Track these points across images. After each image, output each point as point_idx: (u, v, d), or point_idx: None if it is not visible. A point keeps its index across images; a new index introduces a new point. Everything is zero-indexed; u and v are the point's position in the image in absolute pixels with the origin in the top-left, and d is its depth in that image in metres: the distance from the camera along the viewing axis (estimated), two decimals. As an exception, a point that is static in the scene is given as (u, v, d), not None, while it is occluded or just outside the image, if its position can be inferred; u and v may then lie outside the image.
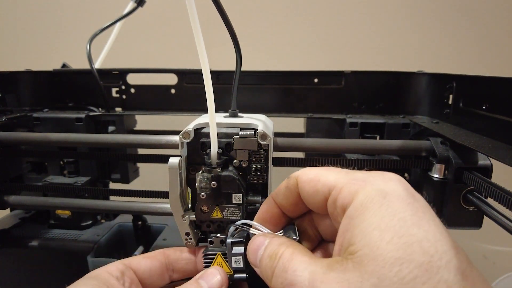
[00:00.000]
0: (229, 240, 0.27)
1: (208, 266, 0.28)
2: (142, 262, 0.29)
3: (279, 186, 0.25)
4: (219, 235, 0.30)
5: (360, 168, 0.36)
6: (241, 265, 0.27)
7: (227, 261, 0.28)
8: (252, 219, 0.28)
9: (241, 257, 0.27)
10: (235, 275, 0.27)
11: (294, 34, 0.91)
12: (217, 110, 0.30)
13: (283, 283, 0.19)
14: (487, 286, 0.16)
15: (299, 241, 0.24)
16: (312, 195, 0.22)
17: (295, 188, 0.23)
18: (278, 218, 0.25)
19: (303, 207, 0.24)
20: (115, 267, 0.27)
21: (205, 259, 0.29)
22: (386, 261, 0.16)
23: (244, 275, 0.27)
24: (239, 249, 0.27)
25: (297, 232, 0.25)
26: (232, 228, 0.28)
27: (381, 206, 0.17)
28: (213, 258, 0.28)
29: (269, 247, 0.22)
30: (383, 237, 0.16)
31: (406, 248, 0.16)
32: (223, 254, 0.28)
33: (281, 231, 0.26)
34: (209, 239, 0.29)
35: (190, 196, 0.31)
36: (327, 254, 0.25)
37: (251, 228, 0.27)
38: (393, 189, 0.18)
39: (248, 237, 0.28)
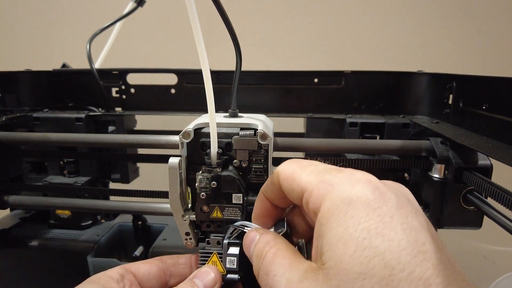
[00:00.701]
0: (225, 241, 0.28)
1: (203, 265, 0.29)
2: (141, 266, 0.29)
3: (266, 181, 0.25)
4: (216, 236, 0.30)
5: (360, 167, 0.36)
6: (235, 266, 0.28)
7: (221, 261, 0.28)
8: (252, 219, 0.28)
9: (235, 258, 0.28)
10: (228, 276, 0.28)
11: (294, 34, 0.91)
12: (217, 110, 0.30)
13: (265, 285, 0.20)
14: None
15: (288, 234, 0.25)
16: (289, 192, 0.22)
17: (277, 183, 0.23)
18: (272, 212, 0.25)
19: (290, 201, 0.24)
20: (115, 271, 0.27)
21: (200, 257, 0.29)
22: (349, 276, 0.15)
23: (236, 276, 0.28)
24: (235, 249, 0.28)
25: (285, 225, 0.25)
26: (230, 229, 0.29)
27: (346, 215, 0.17)
28: (208, 257, 0.29)
29: (257, 244, 0.23)
30: (346, 250, 0.16)
31: (368, 262, 0.15)
32: (218, 253, 0.29)
33: (272, 227, 0.26)
34: (206, 239, 0.30)
35: (190, 196, 0.31)
36: None
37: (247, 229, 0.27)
38: (359, 194, 0.17)
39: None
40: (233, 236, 0.29)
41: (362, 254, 0.15)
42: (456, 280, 0.15)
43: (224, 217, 0.30)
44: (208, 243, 0.30)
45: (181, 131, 0.29)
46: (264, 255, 0.21)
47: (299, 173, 0.21)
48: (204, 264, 0.29)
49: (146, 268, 0.29)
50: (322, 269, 0.17)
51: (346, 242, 0.16)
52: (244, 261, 0.28)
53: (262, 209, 0.25)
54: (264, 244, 0.22)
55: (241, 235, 0.29)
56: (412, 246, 0.15)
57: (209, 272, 0.27)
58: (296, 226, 0.25)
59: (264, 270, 0.20)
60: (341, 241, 0.16)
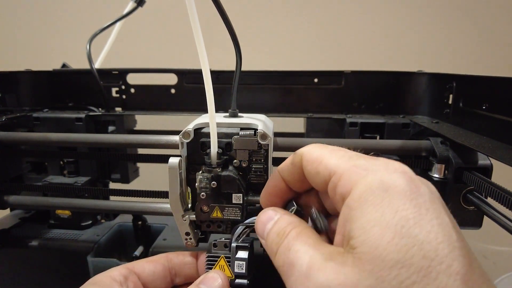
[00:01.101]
0: (234, 244, 0.28)
1: (210, 269, 0.28)
2: (146, 266, 0.28)
3: (285, 161, 0.24)
4: (223, 238, 0.29)
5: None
6: (244, 271, 0.27)
7: (229, 265, 0.28)
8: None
9: (244, 262, 0.27)
10: (236, 280, 0.27)
11: (294, 34, 0.91)
12: (217, 110, 0.30)
13: (284, 261, 0.19)
14: None
15: (301, 212, 0.24)
16: (313, 176, 0.21)
17: (299, 165, 0.22)
18: (284, 193, 0.25)
19: (308, 184, 0.23)
20: (118, 271, 0.27)
21: (207, 261, 0.29)
22: (386, 263, 0.15)
23: (245, 281, 0.27)
24: (243, 253, 0.27)
25: (294, 204, 0.25)
26: (239, 229, 0.28)
27: (382, 201, 0.16)
28: (216, 261, 0.28)
29: (278, 223, 0.22)
30: (383, 236, 0.15)
31: (406, 250, 0.15)
32: (226, 257, 0.28)
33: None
34: (213, 242, 0.29)
35: (190, 196, 0.31)
36: (333, 230, 0.25)
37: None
38: (396, 182, 0.17)
39: (253, 243, 0.29)
40: (241, 239, 0.28)
41: (400, 242, 0.15)
42: (488, 281, 0.15)
43: (224, 217, 0.30)
44: (215, 245, 0.29)
45: (181, 131, 0.29)
46: (287, 232, 0.20)
47: (328, 156, 0.21)
48: (211, 268, 0.28)
49: (151, 268, 0.28)
50: (351, 253, 0.16)
51: (383, 228, 0.16)
52: (252, 265, 0.28)
53: (274, 188, 0.25)
54: (287, 224, 0.21)
55: (249, 239, 0.29)
56: (448, 241, 0.15)
57: (216, 278, 0.26)
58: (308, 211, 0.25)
59: (285, 246, 0.20)
60: (378, 226, 0.16)
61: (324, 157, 0.21)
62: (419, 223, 0.16)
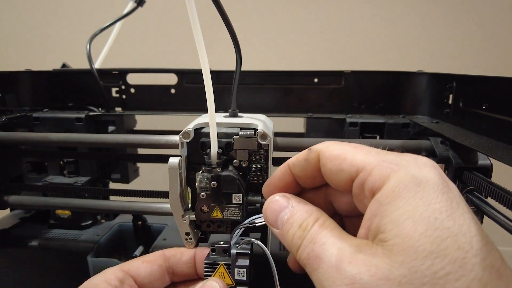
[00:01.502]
0: (234, 251, 0.27)
1: (209, 276, 0.28)
2: (142, 267, 0.28)
3: (297, 156, 0.24)
4: (222, 243, 0.29)
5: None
6: (244, 278, 0.27)
7: (229, 272, 0.27)
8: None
9: (245, 270, 0.27)
10: None
11: (294, 34, 0.91)
12: (217, 110, 0.30)
13: (309, 254, 0.19)
14: None
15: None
16: (335, 173, 0.21)
17: (315, 162, 0.22)
18: (290, 187, 0.25)
19: (320, 181, 0.23)
20: (113, 275, 0.26)
21: (206, 268, 0.28)
22: (419, 253, 0.15)
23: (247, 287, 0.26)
24: (244, 261, 0.27)
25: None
26: (236, 232, 0.28)
27: (415, 195, 0.17)
28: (215, 268, 0.28)
29: (296, 213, 0.21)
30: (417, 228, 0.16)
31: (440, 242, 0.15)
32: (226, 265, 0.28)
33: None
34: (211, 247, 0.29)
35: (190, 196, 0.31)
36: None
37: (257, 217, 0.26)
38: (428, 176, 0.17)
39: (252, 249, 0.28)
40: (240, 245, 0.28)
41: (434, 233, 0.15)
42: None
43: (224, 217, 0.30)
44: (214, 251, 0.28)
45: (181, 131, 0.29)
46: (310, 225, 0.20)
47: (352, 153, 0.20)
48: (210, 275, 0.28)
49: (147, 270, 0.28)
50: (381, 245, 0.16)
51: (417, 221, 0.16)
52: (252, 268, 0.28)
53: (280, 181, 0.25)
54: (307, 214, 0.21)
55: (248, 245, 0.28)
56: (481, 235, 0.15)
57: (215, 287, 0.25)
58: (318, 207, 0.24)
59: (310, 239, 0.19)
60: (411, 219, 0.16)
61: (348, 154, 0.20)
62: (451, 216, 0.16)
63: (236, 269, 0.27)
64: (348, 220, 0.25)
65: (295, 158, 0.24)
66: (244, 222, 0.28)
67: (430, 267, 0.15)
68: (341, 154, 0.21)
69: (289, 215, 0.22)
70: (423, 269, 0.15)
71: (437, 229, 0.15)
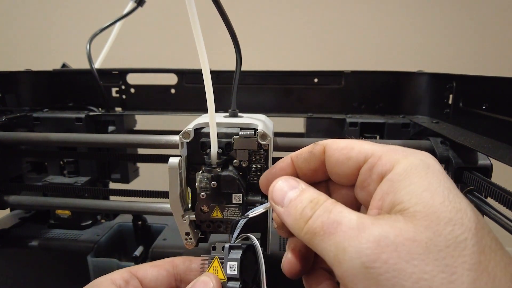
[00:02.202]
0: (227, 244, 0.26)
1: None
2: (149, 271, 0.27)
3: (301, 150, 0.24)
4: (222, 242, 0.28)
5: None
6: (235, 272, 0.25)
7: (222, 267, 0.26)
8: (251, 221, 0.27)
9: (236, 263, 0.26)
10: (228, 284, 0.25)
11: (294, 34, 0.91)
12: (217, 110, 0.30)
13: (324, 221, 0.19)
14: None
15: None
16: (342, 162, 0.22)
17: (320, 154, 0.23)
18: None
19: (321, 175, 0.24)
20: (119, 275, 0.26)
21: (202, 263, 0.27)
22: (441, 219, 0.16)
23: (238, 283, 0.25)
24: (236, 253, 0.26)
25: None
26: (239, 223, 0.27)
27: (427, 174, 0.18)
28: (210, 263, 0.27)
29: (307, 192, 0.22)
30: (435, 199, 0.17)
31: (456, 212, 0.16)
32: (220, 259, 0.27)
33: None
34: (212, 245, 0.28)
35: (190, 196, 0.31)
36: None
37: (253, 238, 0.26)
38: (433, 163, 0.19)
39: (251, 245, 0.27)
40: (238, 239, 0.27)
41: (450, 204, 0.17)
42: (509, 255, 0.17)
43: (224, 217, 0.30)
44: (214, 249, 0.28)
45: (181, 131, 0.29)
46: (323, 200, 0.20)
47: (359, 143, 0.22)
48: (204, 271, 0.27)
49: (154, 274, 0.27)
50: (401, 214, 0.17)
51: (433, 192, 0.17)
52: (249, 267, 0.27)
53: (282, 171, 0.25)
54: (317, 194, 0.21)
55: (246, 239, 0.27)
56: (479, 215, 0.17)
57: (208, 282, 0.25)
58: None
59: (323, 209, 0.19)
60: (428, 191, 0.17)
61: (356, 144, 0.22)
62: (458, 195, 0.18)
63: (228, 263, 0.26)
64: None
65: (299, 151, 0.25)
66: (245, 215, 0.27)
67: (451, 232, 0.16)
68: (349, 145, 0.22)
69: (298, 193, 0.22)
70: (446, 233, 0.16)
71: (451, 202, 0.17)
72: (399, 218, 0.17)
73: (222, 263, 0.26)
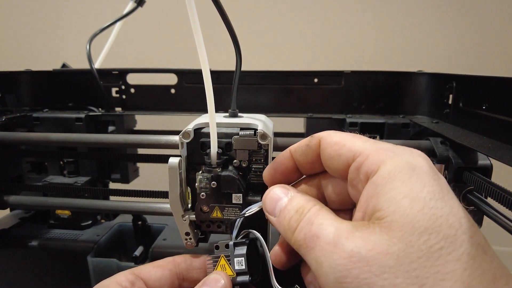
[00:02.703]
0: (231, 242, 0.27)
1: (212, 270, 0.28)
2: (152, 271, 0.28)
3: (299, 142, 0.25)
4: (224, 240, 0.29)
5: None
6: (243, 267, 0.27)
7: (230, 263, 0.27)
8: (251, 221, 0.27)
9: (243, 258, 0.27)
10: (238, 278, 0.27)
11: (294, 34, 0.91)
12: (217, 110, 0.30)
13: (306, 234, 0.19)
14: (502, 263, 0.17)
15: None
16: (333, 158, 0.22)
17: (316, 148, 0.24)
18: (290, 172, 0.26)
19: (319, 167, 0.25)
20: (124, 277, 0.26)
21: (209, 263, 0.28)
22: (416, 229, 0.16)
23: (247, 276, 0.27)
24: (242, 249, 0.27)
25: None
26: (238, 222, 0.28)
27: (411, 178, 0.18)
28: (217, 262, 0.28)
29: (294, 200, 0.22)
30: (414, 206, 0.17)
31: (435, 219, 0.16)
32: (226, 256, 0.28)
33: None
34: (215, 245, 0.29)
35: (190, 196, 0.31)
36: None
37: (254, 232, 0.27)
38: (421, 164, 0.19)
39: (252, 241, 0.28)
40: (240, 237, 0.28)
41: (430, 211, 0.17)
42: (497, 257, 0.17)
43: (224, 217, 0.30)
44: (217, 248, 0.28)
45: (181, 131, 0.29)
46: (307, 209, 0.21)
47: (351, 140, 0.22)
48: (212, 270, 0.28)
49: (157, 274, 0.28)
50: (377, 223, 0.17)
51: (413, 199, 0.17)
52: (253, 261, 0.28)
53: (281, 166, 0.26)
54: (305, 201, 0.22)
55: (247, 236, 0.28)
56: (467, 217, 0.17)
57: (219, 279, 0.26)
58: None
59: (307, 221, 0.20)
60: (408, 198, 0.17)
61: (348, 140, 0.22)
62: (443, 198, 0.17)
63: (235, 259, 0.27)
64: (339, 214, 0.26)
65: (297, 144, 0.25)
66: (243, 212, 0.28)
67: (426, 242, 0.16)
68: (341, 141, 0.22)
69: (287, 203, 0.23)
70: (419, 244, 0.16)
71: (432, 208, 0.17)
72: (375, 229, 0.17)
73: (228, 260, 0.28)
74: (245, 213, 0.28)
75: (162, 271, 0.28)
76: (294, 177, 0.26)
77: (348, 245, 0.17)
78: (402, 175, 0.18)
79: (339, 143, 0.22)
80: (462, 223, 0.16)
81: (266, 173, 0.27)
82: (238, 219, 0.28)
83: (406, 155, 0.19)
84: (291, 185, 0.26)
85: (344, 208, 0.25)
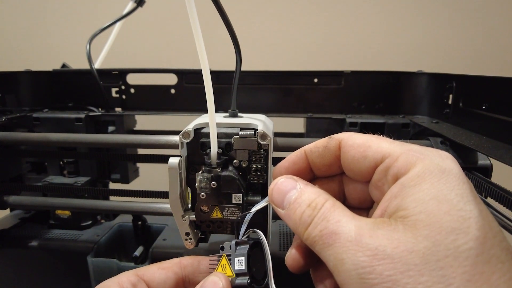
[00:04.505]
0: (233, 241, 0.26)
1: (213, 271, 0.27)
2: (157, 273, 0.27)
3: (315, 143, 0.24)
4: (230, 241, 0.27)
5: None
6: (243, 267, 0.25)
7: (230, 263, 0.26)
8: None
9: (243, 258, 0.26)
10: (236, 281, 0.25)
11: (294, 34, 0.91)
12: (217, 110, 0.30)
13: (323, 231, 0.19)
14: None
15: None
16: (358, 160, 0.22)
17: (335, 150, 0.23)
18: (303, 173, 0.25)
19: (335, 169, 0.24)
20: (126, 278, 0.26)
21: (211, 263, 0.27)
22: (443, 228, 0.16)
23: (246, 278, 0.25)
24: (243, 248, 0.26)
25: None
26: (247, 217, 0.27)
27: (440, 180, 0.18)
28: (218, 262, 0.27)
29: (304, 193, 0.22)
30: (441, 207, 0.17)
31: (463, 221, 0.16)
32: (227, 256, 0.27)
33: None
34: (220, 245, 0.28)
35: (190, 196, 0.31)
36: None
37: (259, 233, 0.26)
38: (450, 167, 0.19)
39: (258, 242, 0.27)
40: (244, 236, 0.27)
41: (457, 213, 0.16)
42: None
43: (224, 217, 0.30)
44: (222, 249, 0.27)
45: (181, 131, 0.29)
46: (321, 204, 0.20)
47: (376, 141, 0.22)
48: (213, 271, 0.27)
49: (162, 277, 0.27)
50: (401, 221, 0.17)
51: (441, 201, 0.17)
52: (258, 262, 0.26)
53: (294, 165, 0.25)
54: (316, 195, 0.21)
55: (251, 239, 0.28)
56: (495, 221, 0.17)
57: (217, 282, 0.24)
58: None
59: (321, 217, 0.19)
60: (435, 199, 0.17)
61: (373, 142, 0.22)
62: (472, 201, 0.17)
63: (235, 259, 0.26)
64: (353, 211, 0.26)
65: (313, 145, 0.24)
66: (247, 212, 0.27)
67: (454, 242, 0.16)
68: (366, 142, 0.22)
69: (297, 195, 0.22)
70: (447, 243, 0.16)
71: (460, 210, 0.16)
72: (398, 227, 0.17)
73: (230, 260, 0.26)
74: (252, 209, 0.27)
75: (167, 274, 0.27)
76: (306, 177, 0.25)
77: (372, 243, 0.17)
78: (431, 177, 0.18)
79: (363, 145, 0.22)
80: (492, 227, 0.16)
81: (276, 172, 0.26)
82: (247, 215, 0.27)
83: (435, 157, 0.19)
84: None
85: (363, 207, 0.25)
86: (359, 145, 0.22)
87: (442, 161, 0.19)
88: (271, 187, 0.23)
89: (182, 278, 0.28)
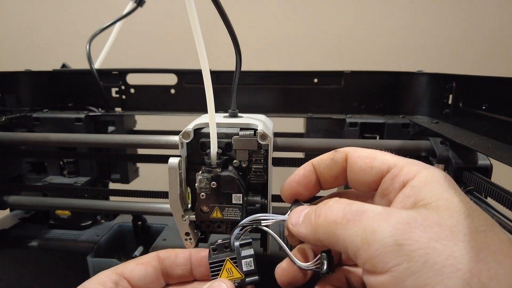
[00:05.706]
0: (237, 243, 0.27)
1: (216, 276, 0.27)
2: (136, 270, 0.27)
3: (321, 156, 0.26)
4: (220, 240, 0.28)
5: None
6: (253, 267, 0.26)
7: (237, 265, 0.27)
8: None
9: (251, 259, 0.26)
10: (247, 279, 0.26)
11: (293, 34, 0.91)
12: (217, 110, 0.30)
13: (346, 211, 0.20)
14: None
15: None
16: (365, 170, 0.24)
17: (342, 161, 0.25)
18: (312, 186, 0.26)
19: (342, 181, 0.26)
20: (108, 277, 0.25)
21: (211, 268, 0.27)
22: (461, 212, 0.18)
23: (257, 277, 0.26)
24: (249, 250, 0.27)
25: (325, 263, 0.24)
26: (236, 230, 0.27)
27: (443, 184, 0.20)
28: (221, 266, 0.27)
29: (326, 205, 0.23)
30: (453, 198, 0.19)
31: (474, 209, 0.18)
32: (231, 259, 0.27)
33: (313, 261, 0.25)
34: (211, 247, 0.28)
35: (190, 196, 0.31)
36: None
37: (262, 219, 0.26)
38: (448, 177, 0.21)
39: (249, 243, 0.27)
40: (241, 237, 0.27)
41: (468, 204, 0.19)
42: None
43: (224, 217, 0.30)
44: (215, 250, 0.27)
45: (181, 131, 0.29)
46: (338, 198, 0.22)
47: (381, 154, 0.24)
48: (217, 275, 0.27)
49: (141, 273, 0.27)
50: (423, 206, 0.19)
51: (452, 195, 0.19)
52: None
53: (305, 178, 0.26)
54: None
55: (247, 235, 0.28)
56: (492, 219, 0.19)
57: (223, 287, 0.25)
58: None
59: (344, 202, 0.21)
60: (447, 192, 0.19)
61: (377, 154, 0.24)
62: (470, 203, 0.19)
63: (242, 261, 0.26)
64: None
65: (320, 158, 0.26)
66: (244, 220, 0.27)
67: (472, 224, 0.17)
68: (371, 154, 0.24)
69: (314, 209, 0.23)
70: (467, 223, 0.17)
71: (468, 203, 0.19)
72: (422, 210, 0.18)
73: (235, 262, 0.27)
74: (247, 223, 0.27)
75: (146, 268, 0.27)
76: (315, 190, 0.27)
77: (403, 214, 0.18)
78: (437, 180, 0.20)
79: (369, 157, 0.24)
80: (487, 219, 0.18)
81: (287, 187, 0.27)
82: (238, 228, 0.27)
83: (434, 168, 0.22)
84: None
85: None
86: (365, 157, 0.24)
87: (439, 171, 0.21)
88: (289, 215, 0.24)
89: (161, 271, 0.28)
